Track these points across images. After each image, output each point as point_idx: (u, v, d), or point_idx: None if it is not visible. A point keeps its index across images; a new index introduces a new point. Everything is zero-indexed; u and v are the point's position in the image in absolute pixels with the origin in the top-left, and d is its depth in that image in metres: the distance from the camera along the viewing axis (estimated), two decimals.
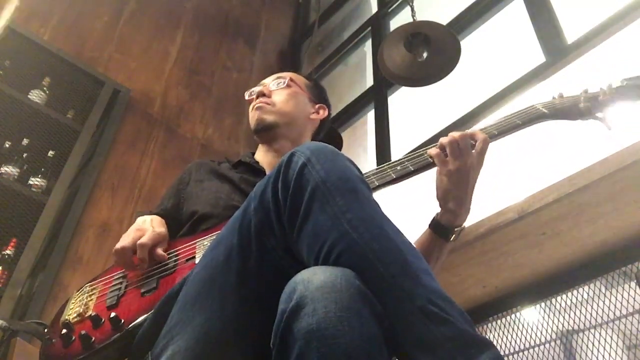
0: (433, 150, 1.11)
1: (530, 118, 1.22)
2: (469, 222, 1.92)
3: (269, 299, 0.71)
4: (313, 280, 0.65)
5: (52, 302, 2.03)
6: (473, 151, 1.09)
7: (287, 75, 1.43)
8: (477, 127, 1.18)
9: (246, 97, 1.43)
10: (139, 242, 1.06)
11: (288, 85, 1.39)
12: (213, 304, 0.80)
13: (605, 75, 1.97)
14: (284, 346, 0.63)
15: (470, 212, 1.12)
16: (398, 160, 1.14)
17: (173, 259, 1.07)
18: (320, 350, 0.60)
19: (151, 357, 0.84)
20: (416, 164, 1.12)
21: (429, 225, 1.13)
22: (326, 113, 1.45)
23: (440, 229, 1.10)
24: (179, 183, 1.31)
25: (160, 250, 1.08)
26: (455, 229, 1.10)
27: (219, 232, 0.94)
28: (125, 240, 1.08)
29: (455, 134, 1.09)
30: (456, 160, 1.07)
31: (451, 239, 1.11)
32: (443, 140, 1.10)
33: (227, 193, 1.21)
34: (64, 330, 0.95)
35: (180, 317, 0.82)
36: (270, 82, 1.41)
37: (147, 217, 1.17)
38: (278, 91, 1.38)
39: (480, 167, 1.10)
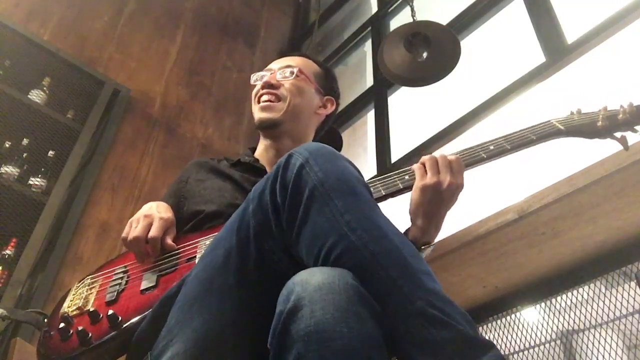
0: (416, 165, 1.10)
1: (545, 134, 1.18)
2: (469, 222, 1.95)
3: (267, 300, 0.71)
4: (311, 281, 0.65)
5: (52, 302, 2.03)
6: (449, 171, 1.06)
7: (297, 64, 1.34)
8: (485, 142, 1.16)
9: (251, 82, 1.36)
10: (149, 236, 1.07)
11: (297, 77, 1.31)
12: (212, 306, 0.79)
13: (604, 76, 1.97)
14: (282, 348, 0.63)
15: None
16: (406, 170, 1.11)
17: (175, 257, 1.07)
18: (319, 352, 0.59)
19: (150, 358, 0.83)
20: None
21: None
22: (333, 107, 1.39)
23: None
24: (178, 182, 1.30)
25: (169, 240, 1.09)
26: (423, 247, 1.05)
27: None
28: (136, 231, 1.08)
29: (435, 155, 1.08)
30: (433, 176, 1.04)
31: None
32: (424, 157, 1.09)
33: (230, 192, 1.20)
34: (62, 324, 0.95)
35: (179, 319, 0.82)
36: (278, 70, 1.33)
37: (153, 204, 1.17)
38: (285, 82, 1.31)
39: (458, 189, 1.06)
